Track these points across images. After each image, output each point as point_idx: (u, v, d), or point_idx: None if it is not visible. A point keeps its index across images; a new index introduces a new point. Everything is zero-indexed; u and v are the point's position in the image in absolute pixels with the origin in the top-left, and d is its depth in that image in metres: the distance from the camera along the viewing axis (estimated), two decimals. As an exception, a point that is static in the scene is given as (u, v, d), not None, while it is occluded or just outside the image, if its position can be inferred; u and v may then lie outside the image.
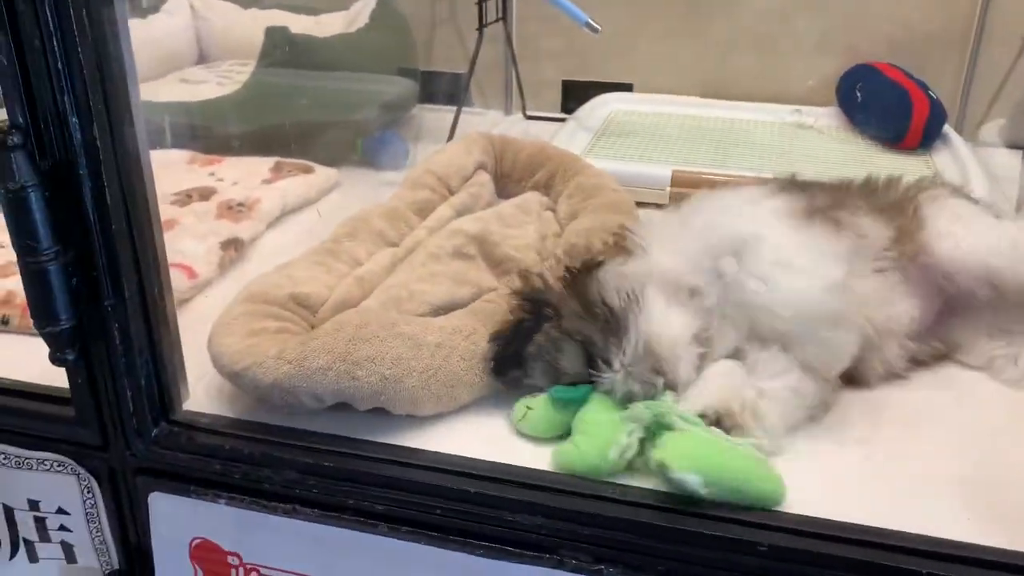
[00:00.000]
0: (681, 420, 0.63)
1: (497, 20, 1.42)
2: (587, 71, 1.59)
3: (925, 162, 1.27)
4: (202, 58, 1.62)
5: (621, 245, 0.75)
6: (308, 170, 1.20)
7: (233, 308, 0.76)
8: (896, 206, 0.80)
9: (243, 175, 1.18)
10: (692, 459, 0.60)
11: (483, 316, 0.76)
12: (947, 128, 1.34)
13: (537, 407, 0.69)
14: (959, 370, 0.80)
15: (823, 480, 0.64)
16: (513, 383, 0.71)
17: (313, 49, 1.27)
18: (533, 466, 0.65)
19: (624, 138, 1.37)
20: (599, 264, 0.71)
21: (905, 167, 1.25)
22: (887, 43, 1.45)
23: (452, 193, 1.03)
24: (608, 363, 0.65)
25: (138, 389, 0.65)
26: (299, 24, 1.55)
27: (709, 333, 0.68)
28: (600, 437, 0.64)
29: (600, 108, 1.50)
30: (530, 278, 0.74)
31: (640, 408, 0.64)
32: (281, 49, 1.22)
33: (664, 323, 0.66)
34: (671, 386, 0.66)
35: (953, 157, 1.26)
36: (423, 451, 0.66)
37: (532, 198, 1.06)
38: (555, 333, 0.68)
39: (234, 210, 1.06)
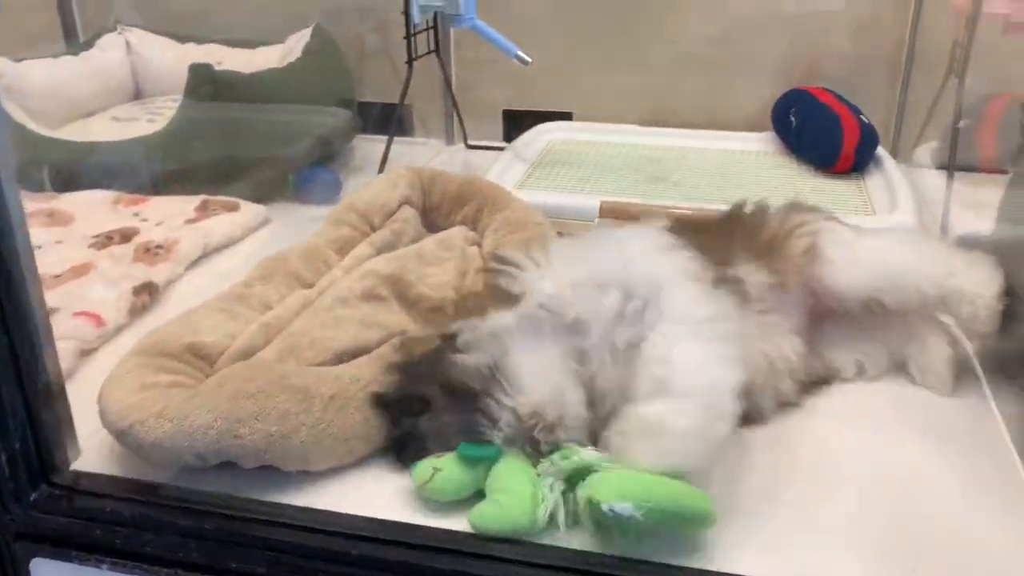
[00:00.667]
0: (599, 462, 0.61)
1: (429, 52, 1.41)
2: (528, 100, 1.59)
3: (857, 186, 1.27)
4: (138, 94, 1.60)
5: (494, 287, 0.73)
6: (234, 208, 1.18)
7: (127, 361, 0.73)
8: (772, 243, 0.80)
9: (168, 215, 1.16)
10: (619, 489, 0.58)
11: (384, 363, 0.74)
12: (881, 151, 1.34)
13: (446, 467, 0.65)
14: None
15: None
16: (420, 457, 0.67)
17: (239, 85, 1.25)
18: (447, 527, 0.63)
19: (560, 168, 1.37)
20: (450, 339, 0.69)
21: (837, 191, 1.25)
22: (823, 68, 1.45)
23: (374, 230, 1.02)
24: (497, 432, 0.64)
25: (13, 453, 0.63)
26: (236, 58, 1.54)
27: (592, 370, 0.66)
28: (521, 494, 0.61)
29: (539, 138, 1.50)
30: (410, 347, 0.71)
31: (555, 459, 0.62)
32: (206, 86, 1.20)
33: (534, 390, 0.63)
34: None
35: (885, 180, 1.26)
36: (313, 510, 0.64)
37: (456, 233, 1.04)
38: (436, 421, 0.66)
39: (151, 252, 1.04)
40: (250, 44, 1.56)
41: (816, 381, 0.79)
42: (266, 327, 0.82)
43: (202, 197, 1.20)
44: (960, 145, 1.24)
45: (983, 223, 1.10)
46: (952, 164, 1.13)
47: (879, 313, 0.79)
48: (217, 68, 1.23)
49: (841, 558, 0.61)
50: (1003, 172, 1.31)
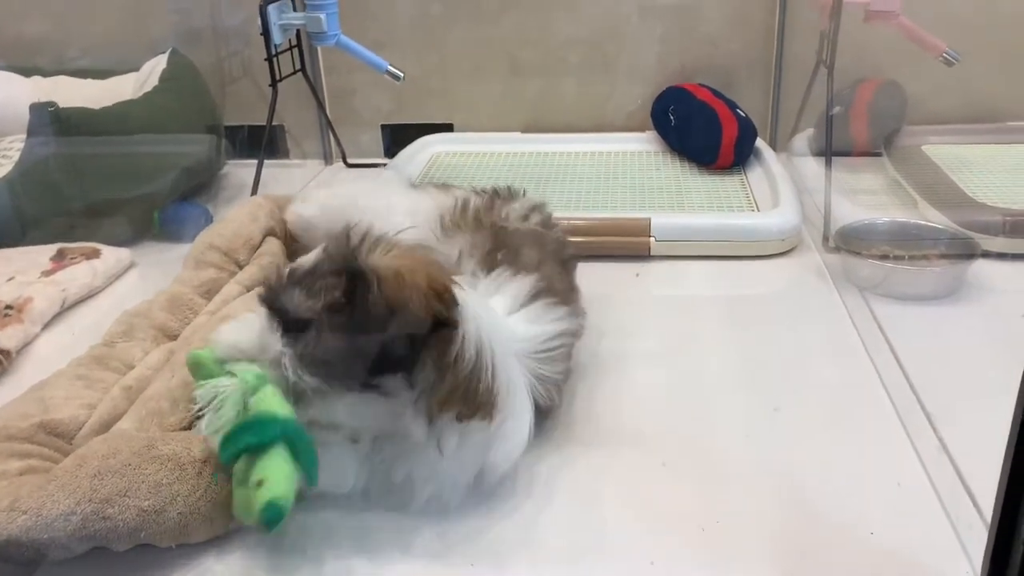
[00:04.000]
0: None
1: (295, 72, 1.34)
2: (407, 113, 1.54)
3: (740, 181, 1.27)
4: (-17, 135, 1.47)
5: None
6: (94, 254, 1.10)
7: (-32, 449, 0.66)
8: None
9: (20, 268, 1.07)
10: None
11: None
12: (760, 143, 1.35)
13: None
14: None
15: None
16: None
17: (90, 121, 1.16)
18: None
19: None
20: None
21: (721, 188, 1.25)
22: (698, 65, 1.45)
23: (240, 267, 0.95)
24: None
25: None
26: (86, 90, 1.44)
27: None
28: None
29: (421, 151, 1.45)
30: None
31: None
32: (50, 126, 1.11)
33: None
34: None
35: (766, 174, 1.27)
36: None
37: None
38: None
39: (0, 315, 0.95)
40: (102, 74, 1.46)
41: None
42: (127, 390, 0.75)
43: (58, 245, 1.11)
44: (834, 131, 1.26)
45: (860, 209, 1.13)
46: (829, 154, 1.14)
47: None
48: (63, 106, 1.13)
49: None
50: (876, 154, 1.35)
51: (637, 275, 1.06)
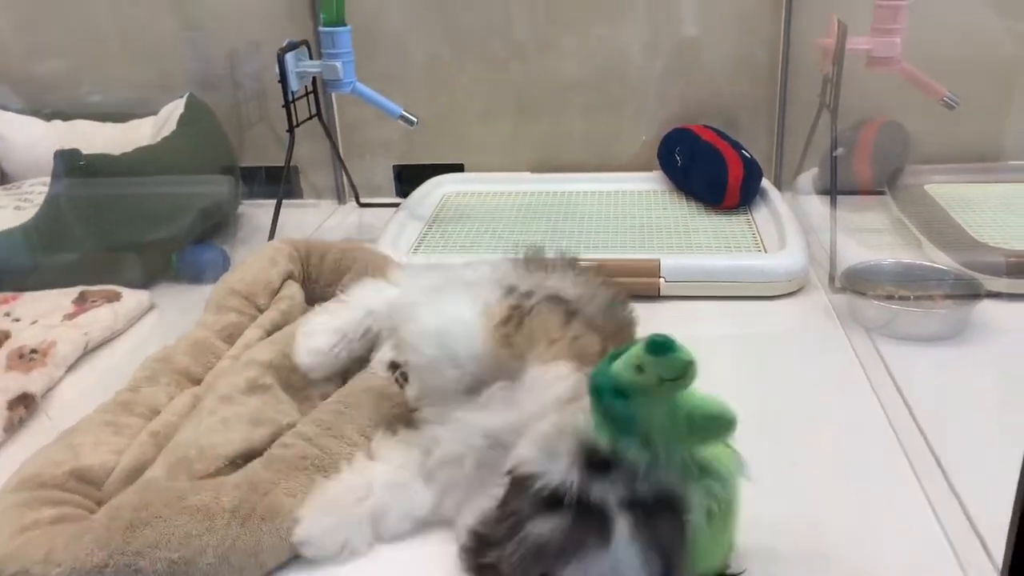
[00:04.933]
0: None
1: (311, 117, 1.37)
2: (418, 154, 1.57)
3: (747, 221, 1.30)
4: (4, 179, 1.50)
5: None
6: (115, 297, 1.12)
7: (2, 499, 0.67)
8: None
9: (42, 312, 1.09)
10: None
11: (280, 465, 0.71)
12: (766, 183, 1.38)
13: None
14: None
15: None
16: None
17: (112, 167, 1.19)
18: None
19: (456, 224, 1.35)
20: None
21: (728, 228, 1.27)
22: (703, 106, 1.48)
23: (260, 311, 0.97)
24: None
25: None
26: (104, 134, 1.47)
27: None
28: None
29: (433, 192, 1.48)
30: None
31: None
32: (74, 173, 1.14)
33: None
34: None
35: (772, 215, 1.29)
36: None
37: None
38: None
39: (26, 359, 0.97)
40: (121, 118, 1.49)
41: None
42: (155, 436, 0.77)
43: (80, 288, 1.14)
44: (838, 170, 1.28)
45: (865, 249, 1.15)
46: (834, 197, 1.16)
47: None
48: (86, 153, 1.16)
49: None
50: (880, 193, 1.37)
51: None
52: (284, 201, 1.31)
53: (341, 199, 1.59)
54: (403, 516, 0.69)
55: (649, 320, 1.07)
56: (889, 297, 1.03)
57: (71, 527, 0.64)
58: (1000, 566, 0.49)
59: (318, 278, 1.05)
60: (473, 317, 0.69)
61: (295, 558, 0.68)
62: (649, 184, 1.47)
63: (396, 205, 1.44)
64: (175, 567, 0.62)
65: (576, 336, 0.68)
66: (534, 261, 0.86)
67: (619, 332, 0.77)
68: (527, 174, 1.52)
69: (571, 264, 0.87)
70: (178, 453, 0.72)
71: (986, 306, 1.01)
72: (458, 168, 1.56)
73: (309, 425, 0.75)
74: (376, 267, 1.03)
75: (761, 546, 0.68)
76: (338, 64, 1.20)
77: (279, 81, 1.22)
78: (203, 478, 0.70)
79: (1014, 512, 0.47)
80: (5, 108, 1.51)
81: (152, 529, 0.62)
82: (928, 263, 1.09)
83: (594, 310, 0.76)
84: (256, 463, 0.71)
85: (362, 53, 1.31)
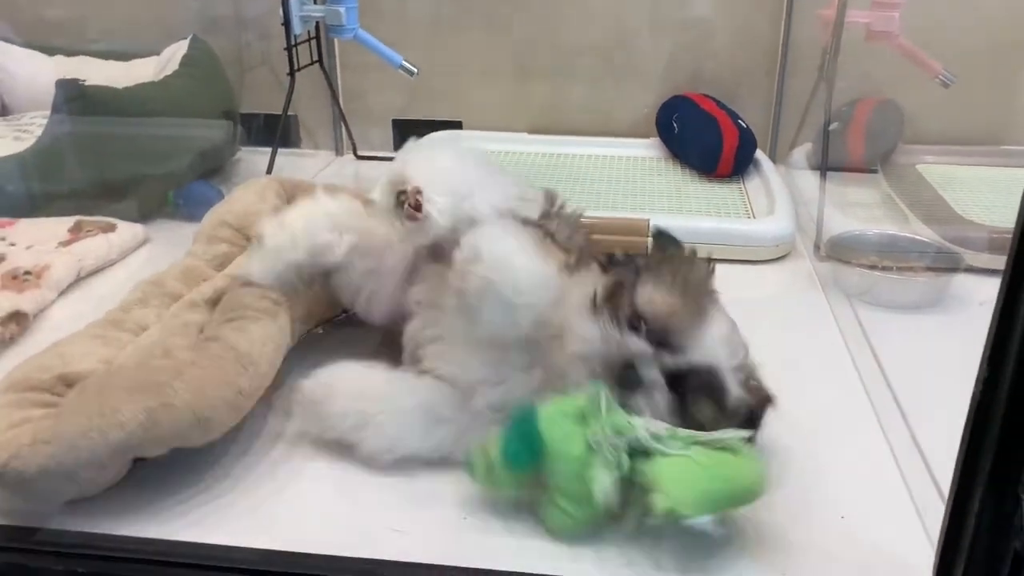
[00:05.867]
0: (653, 440, 0.60)
1: (312, 63, 1.38)
2: (417, 110, 1.58)
3: (739, 190, 1.31)
4: (4, 110, 1.51)
5: None
6: (110, 228, 1.13)
7: (-8, 400, 0.69)
8: None
9: (38, 238, 1.10)
10: (691, 497, 0.59)
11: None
12: (760, 155, 1.39)
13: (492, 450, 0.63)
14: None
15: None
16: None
17: (112, 100, 1.20)
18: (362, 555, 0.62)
19: (451, 177, 1.36)
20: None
21: (720, 195, 1.29)
22: (704, 75, 1.50)
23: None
24: None
25: None
26: (107, 71, 1.47)
27: None
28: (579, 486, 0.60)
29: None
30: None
31: (606, 432, 0.60)
32: (74, 103, 1.15)
33: None
34: None
35: (763, 184, 1.31)
36: (206, 546, 0.62)
37: None
38: None
39: (19, 279, 0.99)
40: (124, 56, 1.50)
41: None
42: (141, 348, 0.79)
43: (76, 218, 1.15)
44: (831, 146, 1.30)
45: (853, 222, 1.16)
46: (824, 165, 1.18)
47: None
48: (87, 83, 1.17)
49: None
50: (872, 171, 1.38)
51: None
52: (283, 150, 1.33)
53: (339, 151, 1.60)
54: None
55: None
56: (872, 266, 1.05)
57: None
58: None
59: (303, 217, 1.06)
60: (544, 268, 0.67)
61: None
62: (646, 151, 1.48)
63: (393, 159, 1.45)
64: (155, 413, 0.63)
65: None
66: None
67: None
68: (525, 135, 1.53)
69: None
70: (144, 352, 0.75)
71: (966, 279, 1.03)
72: (456, 125, 1.57)
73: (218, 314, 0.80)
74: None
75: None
76: (342, 10, 1.21)
77: (283, 24, 1.23)
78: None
79: (961, 446, 0.49)
80: (9, 41, 1.52)
81: (121, 385, 0.65)
82: (912, 235, 1.11)
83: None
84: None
85: (367, 5, 1.32)
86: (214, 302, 0.81)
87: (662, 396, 0.63)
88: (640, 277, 0.66)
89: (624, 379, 0.63)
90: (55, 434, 0.62)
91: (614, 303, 0.65)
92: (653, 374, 0.63)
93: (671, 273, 0.67)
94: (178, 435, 0.65)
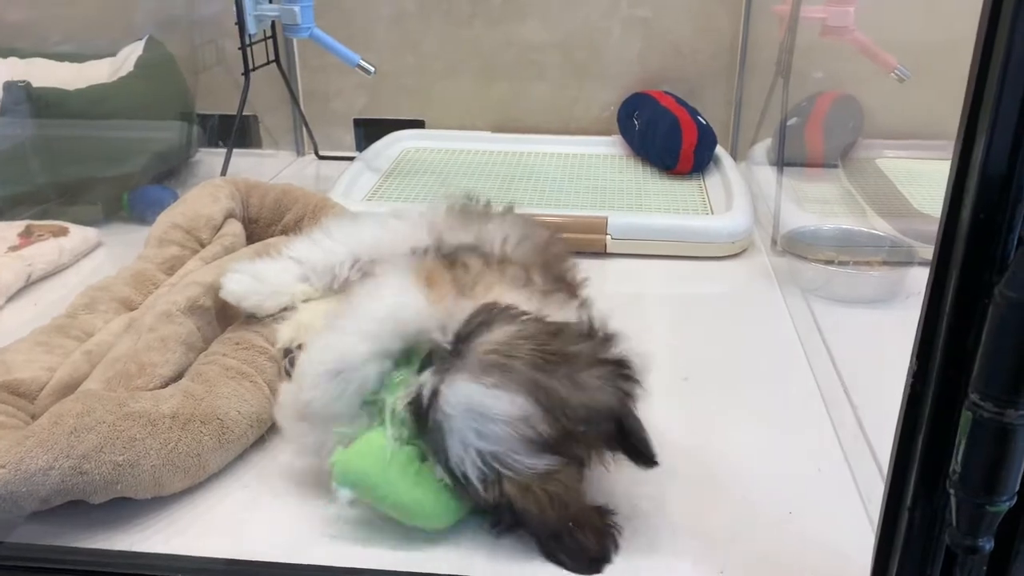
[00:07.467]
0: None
1: (269, 63, 1.37)
2: (379, 109, 1.57)
3: (699, 186, 1.31)
4: (-44, 113, 1.48)
5: None
6: (62, 232, 1.12)
7: (-69, 408, 0.68)
8: None
9: (-13, 243, 1.09)
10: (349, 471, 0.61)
11: (208, 377, 0.72)
12: (720, 151, 1.40)
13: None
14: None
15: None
16: None
17: (62, 102, 1.18)
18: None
19: (412, 177, 1.36)
20: None
21: (680, 192, 1.29)
22: (664, 73, 1.50)
23: (203, 246, 0.97)
24: None
25: None
26: (61, 73, 1.45)
27: None
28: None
29: (391, 146, 1.49)
30: None
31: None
32: (23, 105, 1.13)
33: None
34: None
35: (723, 180, 1.31)
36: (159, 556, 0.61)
37: (275, 243, 1.01)
38: None
39: (-35, 286, 0.97)
40: (79, 58, 1.47)
41: None
42: (88, 355, 0.77)
43: (26, 222, 1.13)
44: (790, 142, 1.30)
45: (811, 216, 1.17)
46: (781, 160, 1.18)
47: None
48: (37, 86, 1.16)
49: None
50: (833, 166, 1.39)
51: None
52: (243, 151, 1.32)
53: (300, 151, 1.59)
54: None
55: (595, 277, 1.09)
56: (827, 261, 1.05)
57: (11, 433, 0.64)
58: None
59: (258, 217, 1.04)
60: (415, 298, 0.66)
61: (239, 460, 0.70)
62: (607, 148, 1.48)
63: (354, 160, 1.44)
64: (120, 469, 0.62)
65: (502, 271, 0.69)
66: (470, 210, 0.86)
67: (549, 265, 0.78)
68: (487, 133, 1.53)
69: (507, 211, 0.87)
70: (117, 367, 0.72)
71: (921, 273, 1.03)
72: (419, 124, 1.56)
73: (219, 345, 0.78)
74: (316, 208, 1.03)
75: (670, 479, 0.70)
76: (296, 8, 1.20)
77: (236, 23, 1.22)
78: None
79: (896, 436, 0.49)
80: (-40, 43, 1.49)
81: (96, 434, 0.63)
82: (867, 230, 1.11)
83: (526, 249, 0.77)
84: (184, 379, 0.73)
85: (329, 4, 1.31)
86: (191, 311, 0.79)
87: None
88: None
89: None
90: (15, 461, 0.60)
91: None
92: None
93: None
94: (130, 491, 0.64)
